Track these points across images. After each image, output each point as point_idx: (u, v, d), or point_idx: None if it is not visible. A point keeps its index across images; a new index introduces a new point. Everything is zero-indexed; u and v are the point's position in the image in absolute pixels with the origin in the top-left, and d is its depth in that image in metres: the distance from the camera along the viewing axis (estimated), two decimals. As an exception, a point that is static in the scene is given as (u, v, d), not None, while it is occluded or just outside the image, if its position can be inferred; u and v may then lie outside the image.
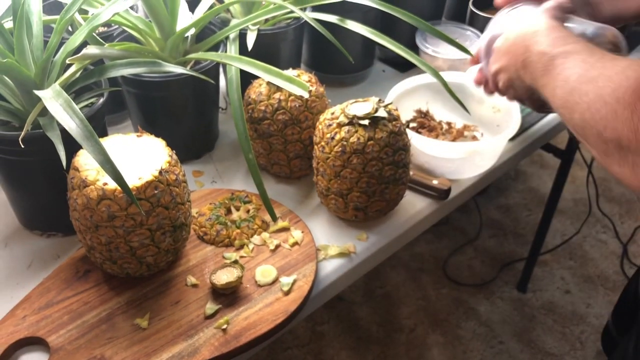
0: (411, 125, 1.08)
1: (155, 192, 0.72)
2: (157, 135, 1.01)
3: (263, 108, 0.91)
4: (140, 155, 0.75)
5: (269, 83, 0.91)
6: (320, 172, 0.88)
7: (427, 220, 0.96)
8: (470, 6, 1.23)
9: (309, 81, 0.94)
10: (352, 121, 0.83)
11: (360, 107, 0.85)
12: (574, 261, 2.05)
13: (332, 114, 0.86)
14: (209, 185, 0.99)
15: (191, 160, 1.03)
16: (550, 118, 1.17)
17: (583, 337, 1.82)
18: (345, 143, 0.83)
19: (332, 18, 0.93)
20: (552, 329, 1.85)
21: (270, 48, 1.04)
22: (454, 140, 1.05)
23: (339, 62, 1.10)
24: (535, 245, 1.86)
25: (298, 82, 0.75)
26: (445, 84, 0.92)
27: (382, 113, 0.83)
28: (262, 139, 0.94)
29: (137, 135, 0.79)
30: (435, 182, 0.96)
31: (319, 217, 0.93)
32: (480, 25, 1.23)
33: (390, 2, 0.97)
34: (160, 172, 0.73)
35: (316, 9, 1.00)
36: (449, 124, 1.08)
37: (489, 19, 1.22)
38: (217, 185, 0.99)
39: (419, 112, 1.08)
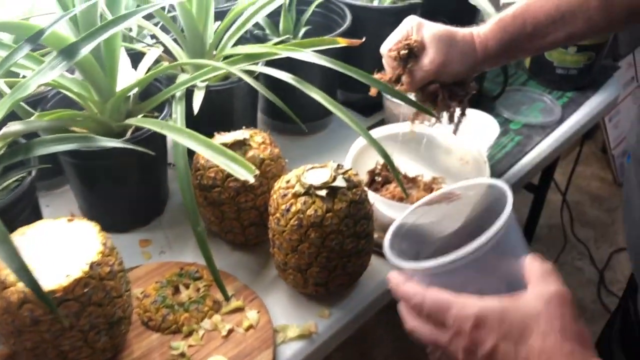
0: (376, 178, 1.01)
1: (86, 290, 0.64)
2: (99, 204, 0.93)
3: (213, 175, 0.83)
4: (69, 245, 0.67)
5: (225, 145, 0.84)
6: (276, 244, 0.80)
7: (394, 288, 0.89)
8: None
9: (263, 142, 0.86)
10: (309, 191, 0.76)
11: (318, 174, 0.78)
12: (551, 291, 2.00)
13: (287, 182, 0.79)
14: (157, 257, 0.90)
15: (138, 227, 0.95)
16: (524, 163, 1.11)
17: (563, 373, 1.77)
18: (301, 216, 0.76)
19: (285, 76, 0.86)
20: (531, 365, 1.79)
21: (222, 104, 0.96)
22: (419, 193, 0.98)
23: (298, 109, 1.03)
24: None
25: (242, 163, 0.68)
26: (374, 143, 0.82)
27: (340, 182, 0.76)
28: (213, 207, 0.86)
29: (68, 220, 0.71)
30: (402, 246, 0.89)
31: (277, 290, 0.86)
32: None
33: (351, 48, 0.91)
34: (91, 266, 0.65)
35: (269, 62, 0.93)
36: (414, 178, 1.02)
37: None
38: (167, 256, 0.90)
39: (384, 166, 1.01)
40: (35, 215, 0.80)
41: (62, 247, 0.67)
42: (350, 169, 0.79)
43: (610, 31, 0.79)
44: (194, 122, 0.85)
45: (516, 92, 1.27)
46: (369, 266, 0.86)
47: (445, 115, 0.92)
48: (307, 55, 0.84)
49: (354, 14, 1.09)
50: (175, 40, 0.99)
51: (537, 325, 0.47)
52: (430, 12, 1.24)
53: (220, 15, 1.02)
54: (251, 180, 0.66)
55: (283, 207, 0.77)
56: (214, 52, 0.99)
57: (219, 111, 0.96)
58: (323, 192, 0.75)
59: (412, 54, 0.85)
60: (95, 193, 0.90)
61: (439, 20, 1.17)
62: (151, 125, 0.78)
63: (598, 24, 0.76)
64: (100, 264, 0.66)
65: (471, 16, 1.30)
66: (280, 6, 1.03)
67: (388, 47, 0.88)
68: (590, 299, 1.98)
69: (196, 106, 0.84)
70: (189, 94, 0.89)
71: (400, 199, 0.95)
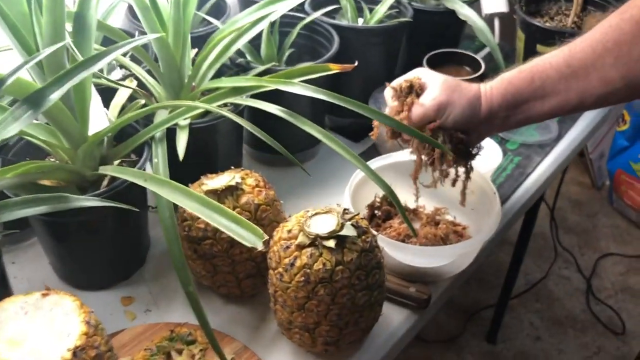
0: (376, 213, 0.94)
1: (69, 383, 0.54)
2: (72, 260, 0.83)
3: (202, 226, 0.75)
4: (47, 326, 0.58)
5: (207, 193, 0.75)
6: (279, 302, 0.72)
7: (407, 336, 0.82)
8: (425, 64, 1.11)
9: (257, 186, 0.78)
10: (315, 242, 0.68)
11: (322, 221, 0.70)
12: (540, 303, 1.96)
13: (289, 231, 0.70)
14: (142, 316, 0.81)
15: (118, 283, 0.85)
16: (528, 185, 1.05)
17: (560, 389, 1.73)
18: (308, 271, 0.67)
19: (274, 109, 0.78)
20: (527, 383, 1.75)
21: (206, 142, 0.88)
22: (424, 227, 0.91)
23: (286, 139, 0.94)
24: (504, 293, 1.75)
25: (248, 225, 0.59)
26: (376, 178, 0.75)
27: (349, 230, 0.68)
28: (204, 260, 0.77)
29: (42, 294, 0.61)
30: (412, 289, 0.82)
31: (279, 348, 0.77)
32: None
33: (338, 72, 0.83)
34: (74, 353, 0.55)
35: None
36: (415, 210, 0.95)
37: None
38: (153, 315, 0.81)
39: (385, 198, 0.94)
40: (2, 286, 0.70)
41: (38, 329, 0.58)
42: (358, 213, 0.72)
43: (631, 96, 0.70)
44: (174, 164, 0.76)
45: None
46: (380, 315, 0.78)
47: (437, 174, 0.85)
48: (299, 88, 0.76)
49: (340, 35, 1.02)
50: (149, 71, 0.90)
51: None
52: (417, 27, 1.18)
53: (196, 42, 0.94)
54: (260, 247, 0.58)
55: (286, 261, 0.69)
56: (193, 84, 0.91)
57: (202, 150, 0.87)
58: (331, 243, 0.67)
59: (412, 89, 0.79)
60: (68, 249, 0.81)
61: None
62: (132, 177, 0.69)
63: (615, 84, 0.68)
64: (84, 348, 0.56)
65: (458, 30, 1.25)
66: (262, 30, 0.95)
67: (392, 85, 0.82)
68: (580, 308, 1.94)
69: (181, 150, 0.75)
70: (169, 133, 0.81)
71: (407, 236, 0.88)
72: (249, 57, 1.01)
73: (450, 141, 0.80)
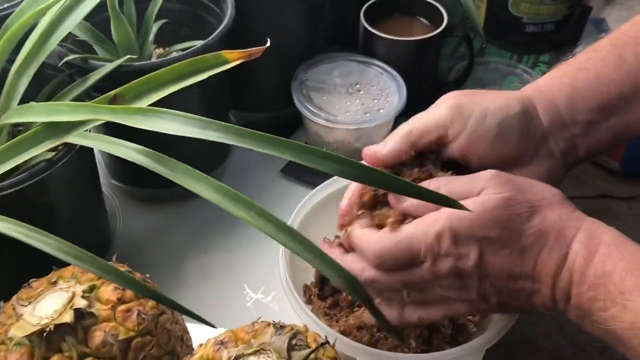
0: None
1: None
2: None
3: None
4: None
5: (29, 339, 0.39)
6: None
7: None
8: (362, 19, 0.76)
9: (120, 300, 0.43)
10: None
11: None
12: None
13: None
14: None
15: None
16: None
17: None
18: None
19: (127, 152, 0.42)
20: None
21: (36, 211, 0.50)
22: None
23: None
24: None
25: None
26: (303, 248, 0.43)
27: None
28: None
29: None
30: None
31: None
32: (381, 48, 0.76)
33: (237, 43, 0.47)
34: None
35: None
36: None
37: (390, 40, 0.77)
38: None
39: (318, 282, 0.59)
40: None
41: None
42: (317, 348, 0.38)
43: None
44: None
45: (476, 67, 0.89)
46: None
47: None
48: (157, 121, 0.40)
49: (234, -8, 0.65)
50: None
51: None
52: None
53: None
54: None
55: None
56: (-6, 106, 0.53)
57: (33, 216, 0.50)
58: None
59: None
60: None
61: None
62: None
63: None
64: None
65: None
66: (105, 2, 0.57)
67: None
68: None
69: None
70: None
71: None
72: (96, 48, 0.63)
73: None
